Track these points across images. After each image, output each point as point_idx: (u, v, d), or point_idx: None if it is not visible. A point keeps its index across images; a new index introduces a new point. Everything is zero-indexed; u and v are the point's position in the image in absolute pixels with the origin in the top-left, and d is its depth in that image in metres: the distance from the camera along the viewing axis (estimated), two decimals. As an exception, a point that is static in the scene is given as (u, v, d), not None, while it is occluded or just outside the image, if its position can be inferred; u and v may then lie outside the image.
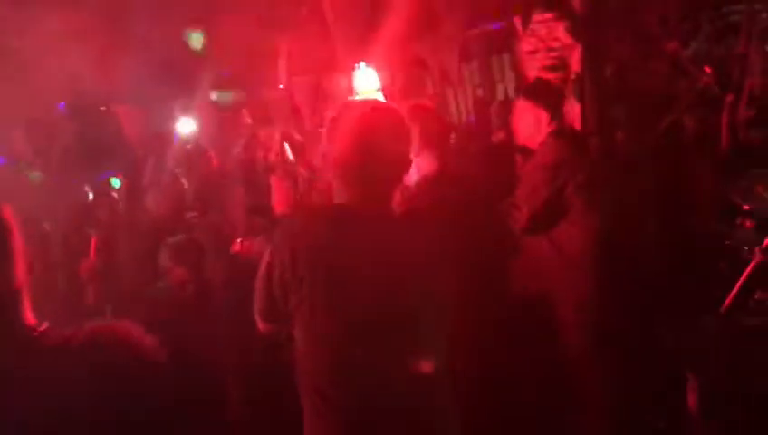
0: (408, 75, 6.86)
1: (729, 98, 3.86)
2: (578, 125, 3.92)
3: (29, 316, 1.24)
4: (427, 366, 1.71)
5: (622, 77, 4.30)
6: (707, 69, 3.69)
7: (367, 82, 6.38)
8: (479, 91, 7.40)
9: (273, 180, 2.68)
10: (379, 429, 1.70)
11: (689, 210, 4.02)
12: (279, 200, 2.62)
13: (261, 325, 1.87)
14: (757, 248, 2.74)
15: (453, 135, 4.74)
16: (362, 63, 3.18)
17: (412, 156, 2.50)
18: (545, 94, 3.21)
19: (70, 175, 5.16)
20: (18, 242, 1.24)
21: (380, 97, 6.39)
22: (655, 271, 3.51)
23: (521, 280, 3.03)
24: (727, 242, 3.46)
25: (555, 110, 3.21)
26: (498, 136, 3.88)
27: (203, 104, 5.82)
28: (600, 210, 3.07)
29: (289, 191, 2.68)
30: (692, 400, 3.21)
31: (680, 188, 4.14)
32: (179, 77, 6.13)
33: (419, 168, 2.62)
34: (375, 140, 1.76)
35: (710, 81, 3.67)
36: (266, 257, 1.78)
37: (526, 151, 3.36)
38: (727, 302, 2.82)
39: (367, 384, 1.67)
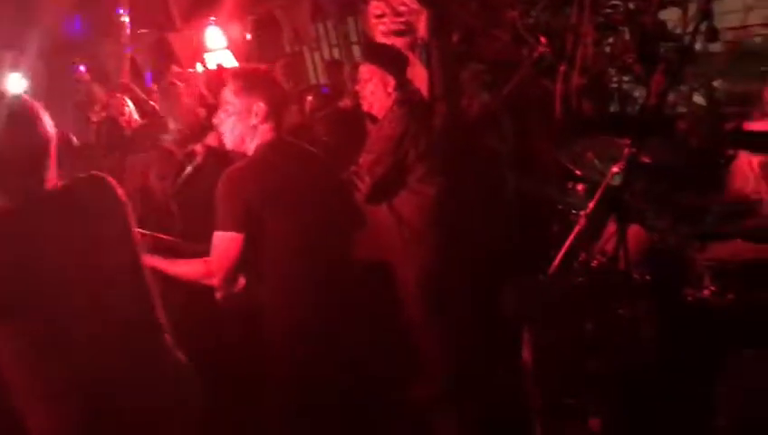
0: (261, 34, 6.66)
1: (562, 67, 4.04)
2: (424, 90, 3.97)
3: None
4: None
5: (469, 43, 4.40)
6: (543, 39, 3.84)
7: (215, 41, 6.12)
8: (335, 52, 7.35)
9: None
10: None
11: (528, 176, 4.21)
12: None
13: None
14: (582, 213, 2.90)
15: (309, 98, 4.67)
16: (212, 21, 3.01)
17: (255, 122, 2.48)
18: (390, 59, 3.20)
19: None
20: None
21: (229, 56, 6.17)
22: (495, 235, 3.65)
23: (363, 249, 3.04)
24: (560, 206, 3.66)
25: (401, 75, 3.22)
26: (346, 101, 3.86)
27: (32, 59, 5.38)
28: (440, 178, 3.13)
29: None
30: (527, 354, 3.42)
31: (521, 154, 4.32)
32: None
33: (260, 136, 2.54)
34: None
35: (544, 50, 3.82)
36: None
37: (373, 118, 3.36)
38: (555, 263, 2.97)
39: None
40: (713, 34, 2.55)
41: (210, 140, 2.91)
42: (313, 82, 7.42)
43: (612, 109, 4.60)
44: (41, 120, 1.74)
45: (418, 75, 3.97)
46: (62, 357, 1.72)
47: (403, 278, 3.13)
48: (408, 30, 3.95)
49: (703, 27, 2.62)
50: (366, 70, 3.21)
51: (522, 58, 4.31)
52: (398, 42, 3.95)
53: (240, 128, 2.48)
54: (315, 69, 7.69)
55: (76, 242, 1.75)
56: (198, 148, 2.90)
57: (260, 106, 2.45)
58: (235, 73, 2.58)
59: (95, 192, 1.86)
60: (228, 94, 2.49)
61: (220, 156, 2.82)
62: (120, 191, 1.89)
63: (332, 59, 6.87)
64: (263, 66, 2.61)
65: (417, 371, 3.35)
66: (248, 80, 2.49)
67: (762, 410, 2.47)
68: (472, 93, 4.24)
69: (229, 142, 2.53)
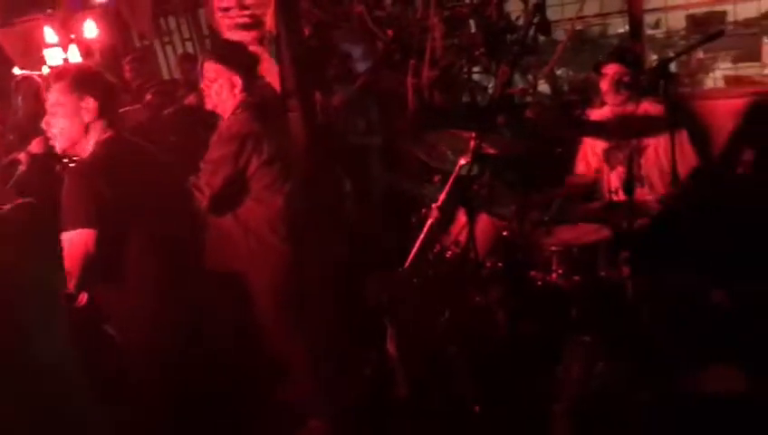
0: (110, 27, 6.29)
1: (412, 61, 4.09)
2: (276, 86, 3.88)
3: None
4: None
5: (320, 37, 4.35)
6: (390, 32, 3.85)
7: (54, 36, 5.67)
8: (189, 46, 7.07)
9: None
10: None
11: (391, 168, 4.25)
12: None
13: None
14: (434, 205, 2.94)
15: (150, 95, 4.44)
16: (49, 13, 2.80)
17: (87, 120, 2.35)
18: (238, 58, 3.06)
19: None
20: None
21: (75, 51, 5.74)
22: (355, 230, 3.65)
23: (212, 259, 2.93)
24: (417, 198, 3.70)
25: (248, 75, 3.09)
26: (191, 98, 3.69)
27: None
28: (288, 184, 3.03)
29: None
30: (391, 346, 3.45)
31: (385, 147, 4.35)
32: None
33: (96, 135, 2.41)
34: None
35: (390, 44, 3.84)
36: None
37: (219, 118, 3.23)
38: (411, 256, 3.00)
39: None
40: (545, 27, 2.64)
41: (34, 147, 2.69)
42: (167, 77, 7.11)
43: (464, 99, 4.70)
44: None
45: (269, 70, 3.89)
46: None
47: (255, 289, 3.02)
48: (255, 23, 3.85)
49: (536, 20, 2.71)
50: (211, 68, 3.04)
51: (374, 52, 4.33)
52: (246, 36, 3.84)
53: (71, 128, 2.37)
54: (168, 64, 7.37)
55: None
56: (22, 156, 2.68)
57: (90, 102, 2.35)
58: (58, 72, 2.42)
59: None
60: (54, 94, 2.37)
61: (45, 163, 2.63)
62: None
63: (185, 53, 6.58)
64: (87, 63, 2.46)
65: (284, 372, 3.29)
66: (74, 77, 2.37)
67: (594, 394, 2.60)
68: (327, 88, 4.21)
69: (60, 145, 2.39)
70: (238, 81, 3.02)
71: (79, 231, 2.29)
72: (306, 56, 3.95)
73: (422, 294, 3.27)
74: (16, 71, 5.32)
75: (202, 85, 3.12)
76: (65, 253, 2.29)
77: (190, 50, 6.94)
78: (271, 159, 2.93)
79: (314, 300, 3.19)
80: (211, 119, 3.40)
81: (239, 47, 3.25)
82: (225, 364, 3.01)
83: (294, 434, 3.15)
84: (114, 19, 6.49)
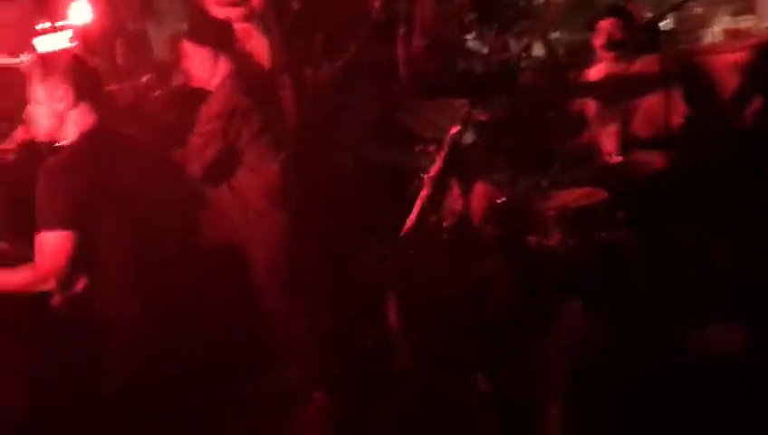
0: (101, 10, 6.22)
1: (402, 30, 4.03)
2: (266, 62, 3.84)
3: None
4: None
5: (309, 8, 4.28)
6: (377, 2, 3.80)
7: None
8: (183, 26, 7.00)
9: None
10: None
11: (383, 140, 4.21)
12: None
13: None
14: (425, 177, 2.93)
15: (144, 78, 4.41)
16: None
17: (63, 108, 2.30)
18: (213, 35, 3.05)
19: None
20: None
21: (63, 36, 5.70)
22: (348, 203, 3.63)
23: (208, 232, 2.93)
24: (411, 169, 3.68)
25: (226, 49, 3.08)
26: (180, 78, 3.67)
27: None
28: (282, 154, 3.04)
29: None
30: (392, 317, 3.46)
31: (377, 120, 4.30)
32: None
33: (76, 123, 2.37)
34: None
35: (378, 13, 3.79)
36: None
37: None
38: (407, 226, 2.99)
39: None
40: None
41: (19, 135, 2.68)
42: (160, 59, 7.05)
43: (458, 67, 4.65)
44: None
45: (258, 46, 3.84)
46: None
47: (253, 259, 3.04)
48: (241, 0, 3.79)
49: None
50: (188, 46, 3.04)
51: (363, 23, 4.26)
52: (232, 12, 3.79)
53: (48, 115, 2.31)
54: (160, 45, 7.30)
55: None
56: (8, 145, 2.67)
57: (67, 90, 2.30)
58: (35, 60, 2.38)
59: None
60: (33, 83, 2.32)
61: (30, 152, 2.61)
62: None
63: (177, 33, 6.51)
64: (69, 49, 2.42)
65: (285, 353, 3.30)
66: (50, 64, 2.32)
67: (585, 361, 2.60)
68: (316, 63, 4.16)
69: (40, 133, 2.36)
70: (216, 57, 3.02)
71: (54, 233, 2.21)
72: (294, 32, 3.90)
73: (421, 265, 3.27)
74: None
75: (182, 64, 3.12)
76: (40, 253, 2.22)
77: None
78: (261, 130, 2.95)
79: (313, 272, 3.19)
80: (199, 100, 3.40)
81: (217, 24, 3.23)
82: (223, 342, 3.03)
83: (298, 407, 3.17)
84: (105, 1, 6.43)
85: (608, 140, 3.55)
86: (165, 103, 3.64)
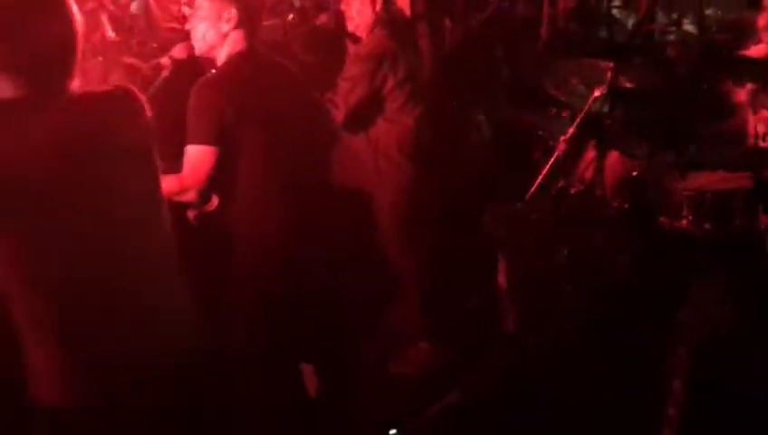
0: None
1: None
2: (406, 10, 3.83)
3: None
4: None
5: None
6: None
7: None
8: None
9: None
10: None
11: (513, 101, 4.13)
12: None
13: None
14: (562, 138, 2.85)
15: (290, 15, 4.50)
16: None
17: (226, 29, 2.38)
18: None
19: None
20: None
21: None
22: (473, 161, 3.61)
23: (338, 172, 2.99)
24: (540, 132, 3.60)
25: None
26: (323, 18, 3.71)
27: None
28: (419, 107, 3.04)
29: None
30: (502, 280, 3.43)
31: (503, 79, 4.23)
32: None
33: (230, 44, 2.44)
34: None
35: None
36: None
37: (355, 38, 3.24)
38: (532, 189, 2.94)
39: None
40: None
41: (178, 52, 2.79)
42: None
43: (600, 35, 4.48)
44: (71, 7, 1.50)
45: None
46: (51, 288, 1.47)
47: (377, 205, 3.08)
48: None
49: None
50: None
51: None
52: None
53: (210, 34, 2.38)
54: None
55: (91, 160, 1.50)
56: (165, 61, 2.79)
57: (231, 12, 2.36)
58: None
59: (121, 104, 1.60)
60: (200, 2, 2.39)
61: (188, 69, 2.71)
62: (145, 109, 1.62)
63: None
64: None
65: (394, 294, 3.35)
66: None
67: (719, 340, 2.48)
68: (456, 15, 4.11)
69: (199, 49, 2.44)
70: (374, 1, 3.02)
71: (199, 147, 2.29)
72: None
73: (540, 230, 3.21)
74: None
75: (341, 6, 3.14)
76: (185, 165, 2.31)
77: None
78: (405, 79, 2.95)
79: (432, 224, 3.20)
80: (344, 39, 3.43)
81: None
82: (345, 275, 3.09)
83: (402, 353, 3.21)
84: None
85: (759, 125, 3.33)
86: (308, 43, 3.69)
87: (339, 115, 2.95)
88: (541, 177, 2.92)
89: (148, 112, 1.63)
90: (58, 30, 1.49)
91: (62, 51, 1.50)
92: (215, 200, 2.51)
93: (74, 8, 1.51)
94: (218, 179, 2.37)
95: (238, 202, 2.47)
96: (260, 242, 2.49)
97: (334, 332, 2.82)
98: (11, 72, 1.46)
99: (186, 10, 3.08)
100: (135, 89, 1.63)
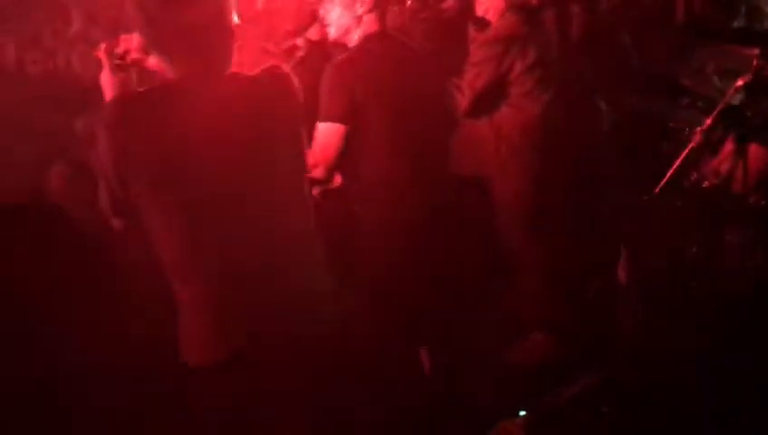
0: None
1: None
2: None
3: None
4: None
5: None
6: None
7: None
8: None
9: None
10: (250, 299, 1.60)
11: (637, 90, 3.96)
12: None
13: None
14: (698, 129, 2.72)
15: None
16: None
17: (360, 12, 2.43)
18: None
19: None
20: None
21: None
22: (598, 152, 3.50)
23: (459, 158, 2.97)
24: (671, 124, 3.45)
25: None
26: (449, 2, 3.68)
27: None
28: (546, 95, 2.98)
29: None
30: (622, 274, 3.32)
31: (631, 67, 4.06)
32: None
33: (363, 27, 2.50)
34: None
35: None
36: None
37: (482, 23, 3.22)
38: (662, 182, 2.82)
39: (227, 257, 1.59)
40: None
41: (311, 34, 2.86)
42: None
43: (738, 24, 4.21)
44: None
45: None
46: (210, 240, 1.57)
47: (498, 193, 3.05)
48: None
49: None
50: None
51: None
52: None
53: (345, 18, 2.45)
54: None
55: (246, 130, 1.59)
56: (300, 42, 2.87)
57: None
58: None
59: (275, 86, 1.66)
60: None
61: (322, 50, 2.78)
62: (298, 92, 1.69)
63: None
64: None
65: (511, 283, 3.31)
66: None
67: None
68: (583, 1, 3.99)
69: (333, 32, 2.51)
70: None
71: (330, 125, 2.37)
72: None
73: (668, 224, 3.09)
74: None
75: None
76: (315, 141, 2.38)
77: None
78: (534, 64, 2.92)
79: (555, 214, 3.14)
80: (466, 25, 3.40)
81: None
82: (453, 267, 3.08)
83: (517, 342, 3.18)
84: None
85: None
86: (429, 29, 3.68)
87: (464, 101, 2.94)
88: (673, 169, 2.78)
89: (301, 95, 1.68)
90: (216, 14, 1.56)
91: (220, 35, 1.58)
92: (338, 178, 2.57)
93: None
94: (344, 158, 2.43)
95: (361, 181, 2.52)
96: (380, 225, 2.54)
97: (450, 315, 2.82)
98: (179, 52, 1.56)
99: None
100: (289, 70, 1.68)
